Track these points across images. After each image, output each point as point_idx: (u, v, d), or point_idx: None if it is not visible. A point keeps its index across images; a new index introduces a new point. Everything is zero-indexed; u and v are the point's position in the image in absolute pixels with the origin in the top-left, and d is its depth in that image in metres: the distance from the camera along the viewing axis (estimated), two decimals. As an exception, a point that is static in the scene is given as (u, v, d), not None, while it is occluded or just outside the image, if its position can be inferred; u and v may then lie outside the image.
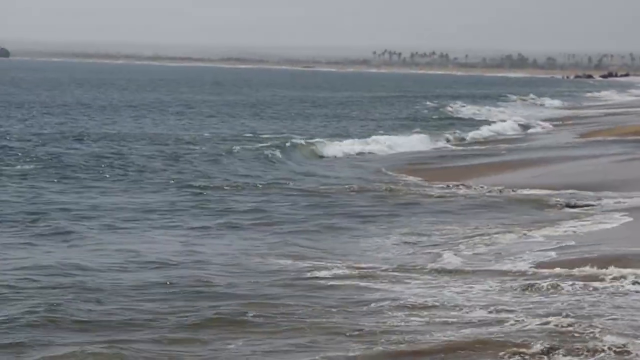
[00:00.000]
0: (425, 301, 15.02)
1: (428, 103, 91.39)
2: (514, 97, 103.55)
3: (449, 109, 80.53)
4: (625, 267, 16.75)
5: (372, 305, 14.82)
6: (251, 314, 14.16)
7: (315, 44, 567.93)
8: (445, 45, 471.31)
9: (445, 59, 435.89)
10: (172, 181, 30.62)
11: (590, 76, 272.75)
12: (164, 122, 58.20)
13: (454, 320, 13.95)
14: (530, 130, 57.24)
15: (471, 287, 16.14)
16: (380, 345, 12.71)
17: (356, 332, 13.26)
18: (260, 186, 30.55)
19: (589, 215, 23.38)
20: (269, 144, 42.52)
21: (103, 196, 26.87)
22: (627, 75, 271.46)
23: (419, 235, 21.31)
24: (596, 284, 15.92)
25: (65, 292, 15.26)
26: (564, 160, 37.75)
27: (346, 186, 29.87)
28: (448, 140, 49.14)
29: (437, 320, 13.96)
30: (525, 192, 28.57)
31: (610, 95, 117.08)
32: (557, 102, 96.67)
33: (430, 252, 19.30)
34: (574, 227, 22.05)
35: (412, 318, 14.20)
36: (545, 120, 67.48)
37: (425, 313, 14.36)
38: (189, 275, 16.55)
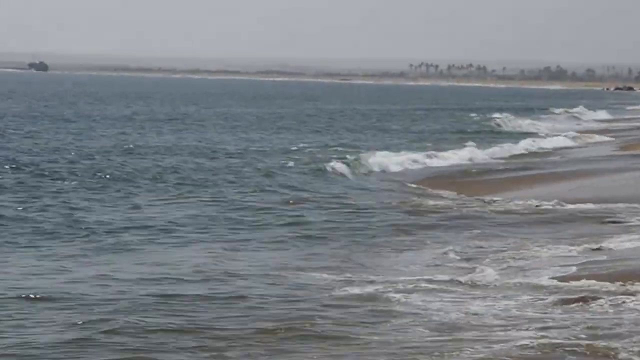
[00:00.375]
0: (457, 318, 14.86)
1: (473, 115, 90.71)
2: (558, 110, 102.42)
3: (495, 122, 79.59)
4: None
5: (400, 320, 14.65)
6: (283, 328, 14.16)
7: (352, 57, 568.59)
8: (483, 57, 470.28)
9: (483, 71, 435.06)
10: (226, 194, 30.99)
11: (630, 88, 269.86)
12: (210, 135, 58.51)
13: (482, 337, 13.71)
14: (574, 143, 56.84)
15: (500, 302, 16.02)
16: None
17: (383, 347, 13.24)
18: (308, 200, 30.71)
19: (630, 232, 22.89)
20: (320, 156, 42.96)
21: (161, 208, 27.41)
22: None
23: (456, 251, 21.03)
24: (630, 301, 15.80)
25: (115, 304, 15.56)
26: (606, 173, 37.39)
27: (391, 201, 30.01)
28: (494, 154, 48.44)
29: (466, 337, 13.73)
30: (570, 206, 28.20)
31: None
32: (600, 114, 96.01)
33: (464, 267, 19.21)
34: (617, 242, 21.64)
35: (439, 334, 14.05)
36: (589, 132, 67.21)
37: (455, 330, 14.17)
38: (228, 290, 16.65)
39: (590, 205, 27.76)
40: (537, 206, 28.30)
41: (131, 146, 48.37)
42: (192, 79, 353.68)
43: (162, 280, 17.83)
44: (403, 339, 13.57)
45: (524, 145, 53.76)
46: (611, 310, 15.12)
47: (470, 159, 45.02)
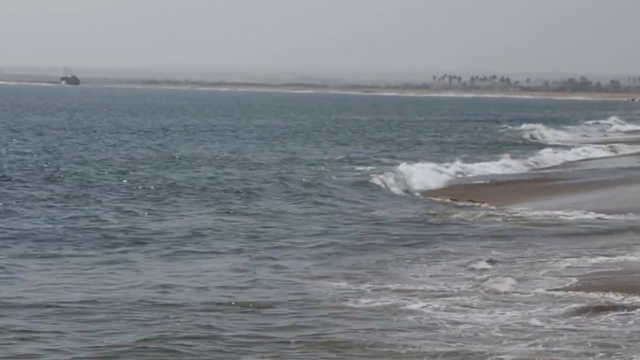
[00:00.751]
0: (464, 327, 14.92)
1: (503, 127, 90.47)
2: (589, 122, 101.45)
3: (530, 133, 79.04)
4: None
5: (407, 329, 14.82)
6: (294, 335, 14.40)
7: (375, 68, 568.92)
8: (506, 69, 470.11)
9: (507, 83, 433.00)
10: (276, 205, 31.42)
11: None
12: (244, 146, 59.10)
13: (489, 347, 13.73)
14: (603, 154, 56.90)
15: (513, 312, 15.96)
16: None
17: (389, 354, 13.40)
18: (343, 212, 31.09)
19: None
20: (361, 169, 43.84)
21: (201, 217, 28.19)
22: None
23: (478, 261, 21.00)
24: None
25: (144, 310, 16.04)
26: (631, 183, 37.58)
27: (418, 211, 30.27)
28: (529, 165, 48.67)
29: (474, 349, 13.67)
30: (588, 216, 28.29)
31: None
32: (630, 126, 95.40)
33: (481, 277, 19.18)
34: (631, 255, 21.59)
35: (444, 342, 14.14)
36: (618, 142, 66.87)
37: (464, 341, 14.16)
38: (246, 300, 16.82)
39: (615, 216, 27.96)
40: (564, 216, 28.30)
41: (176, 156, 49.28)
42: (219, 91, 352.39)
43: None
44: (413, 350, 13.60)
45: (558, 156, 53.69)
46: (619, 323, 15.14)
47: (505, 171, 45.02)
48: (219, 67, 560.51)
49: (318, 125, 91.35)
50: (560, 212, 29.12)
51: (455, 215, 28.99)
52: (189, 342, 13.89)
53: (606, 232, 25.40)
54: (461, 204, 32.86)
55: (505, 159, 49.25)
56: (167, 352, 13.55)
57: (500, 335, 14.40)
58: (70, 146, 54.89)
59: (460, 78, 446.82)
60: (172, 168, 43.74)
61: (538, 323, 15.12)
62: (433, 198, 34.68)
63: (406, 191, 37.58)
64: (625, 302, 16.39)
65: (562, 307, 16.24)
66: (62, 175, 37.95)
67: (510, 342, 14.03)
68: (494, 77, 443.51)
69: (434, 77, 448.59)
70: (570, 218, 28.09)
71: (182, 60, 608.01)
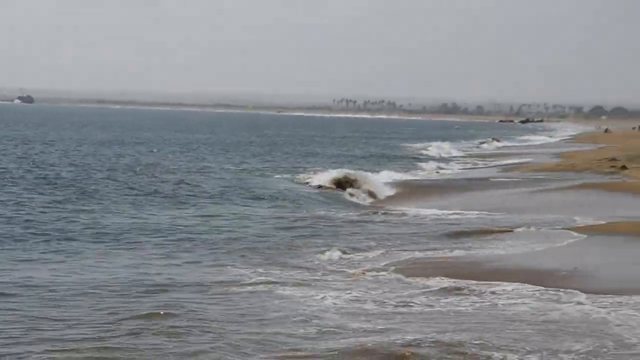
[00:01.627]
0: (319, 306, 14.91)
1: (391, 142, 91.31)
2: (475, 140, 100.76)
3: (414, 148, 79.48)
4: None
5: (275, 313, 14.51)
6: (172, 315, 14.01)
7: (284, 92, 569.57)
8: (393, 94, 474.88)
9: (393, 106, 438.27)
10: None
11: (511, 121, 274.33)
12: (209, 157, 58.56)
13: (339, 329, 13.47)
14: (469, 166, 57.41)
15: (355, 295, 15.83)
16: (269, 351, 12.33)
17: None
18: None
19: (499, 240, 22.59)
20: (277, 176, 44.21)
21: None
22: (541, 121, 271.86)
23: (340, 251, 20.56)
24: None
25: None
26: (485, 188, 38.04)
27: (316, 208, 30.13)
28: (411, 174, 48.43)
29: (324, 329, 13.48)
30: (463, 213, 28.28)
31: (537, 139, 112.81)
32: (500, 144, 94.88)
33: (339, 265, 19.06)
34: (489, 247, 21.51)
35: (299, 318, 14.07)
36: (489, 157, 68.11)
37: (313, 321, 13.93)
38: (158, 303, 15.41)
39: (476, 213, 28.37)
40: (420, 215, 28.30)
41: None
42: (154, 110, 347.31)
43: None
44: (274, 329, 13.42)
45: (433, 167, 54.31)
46: (462, 308, 15.04)
47: (392, 178, 44.17)
48: (157, 90, 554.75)
49: (245, 140, 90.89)
50: (436, 210, 29.52)
51: (339, 215, 28.70)
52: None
53: (460, 224, 25.80)
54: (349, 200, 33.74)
55: (390, 170, 49.06)
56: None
57: (339, 316, 14.34)
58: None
59: (355, 101, 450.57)
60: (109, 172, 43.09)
61: (376, 306, 15.13)
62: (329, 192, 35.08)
63: (311, 192, 37.04)
64: (467, 286, 16.64)
65: (404, 291, 16.31)
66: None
67: (351, 319, 14.19)
68: (382, 101, 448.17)
69: (334, 100, 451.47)
70: (446, 215, 28.28)
71: (128, 85, 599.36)
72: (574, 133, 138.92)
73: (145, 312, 14.27)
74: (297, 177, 43.71)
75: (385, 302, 15.49)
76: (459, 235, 23.77)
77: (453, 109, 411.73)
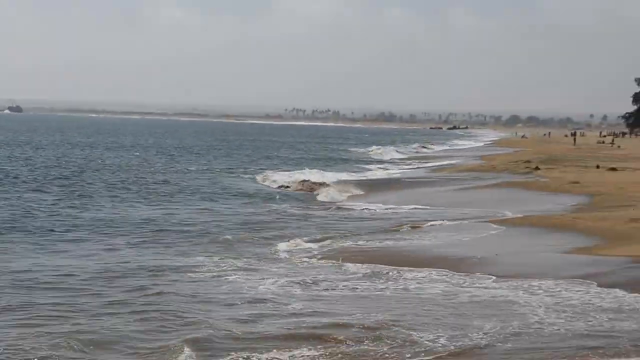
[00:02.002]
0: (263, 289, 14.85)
1: (348, 148, 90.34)
2: (414, 144, 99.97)
3: (358, 151, 79.33)
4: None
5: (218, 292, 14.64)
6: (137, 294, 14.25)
7: (242, 103, 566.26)
8: (337, 104, 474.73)
9: (337, 115, 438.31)
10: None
11: (440, 128, 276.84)
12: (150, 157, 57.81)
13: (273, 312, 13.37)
14: (408, 167, 57.22)
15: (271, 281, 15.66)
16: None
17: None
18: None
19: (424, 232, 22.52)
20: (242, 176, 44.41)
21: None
22: (466, 127, 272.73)
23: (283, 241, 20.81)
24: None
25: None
26: (420, 186, 38.16)
27: (268, 204, 30.15)
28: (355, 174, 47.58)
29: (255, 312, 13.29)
30: (393, 207, 28.39)
31: (464, 143, 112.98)
32: (433, 147, 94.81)
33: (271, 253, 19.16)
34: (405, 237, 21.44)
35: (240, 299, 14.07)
36: (418, 158, 68.29)
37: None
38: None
39: (411, 207, 28.37)
40: (364, 209, 28.31)
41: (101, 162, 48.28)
42: (130, 119, 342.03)
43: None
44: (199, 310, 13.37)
45: (378, 168, 54.48)
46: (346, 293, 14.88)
47: (342, 178, 43.64)
48: (132, 100, 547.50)
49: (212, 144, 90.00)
50: (381, 205, 29.59)
51: (290, 210, 28.67)
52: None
53: (393, 218, 25.72)
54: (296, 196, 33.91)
55: (343, 172, 49.36)
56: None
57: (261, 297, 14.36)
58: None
59: (304, 111, 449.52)
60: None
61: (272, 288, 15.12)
62: (280, 195, 34.28)
63: (269, 188, 37.60)
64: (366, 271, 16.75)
65: (334, 275, 16.32)
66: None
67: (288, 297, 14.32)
68: (328, 110, 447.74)
69: (286, 110, 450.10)
70: (379, 210, 28.20)
71: (108, 95, 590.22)
72: (495, 139, 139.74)
73: (109, 298, 14.22)
74: (259, 177, 43.87)
75: (315, 286, 15.39)
76: (393, 227, 23.86)
77: (390, 117, 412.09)
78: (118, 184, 37.48)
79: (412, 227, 23.50)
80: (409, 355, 11.13)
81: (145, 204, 29.68)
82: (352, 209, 29.28)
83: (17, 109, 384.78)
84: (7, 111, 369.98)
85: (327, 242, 20.91)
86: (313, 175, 43.14)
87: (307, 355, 11.09)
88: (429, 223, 24.09)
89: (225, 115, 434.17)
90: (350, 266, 17.36)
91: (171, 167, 50.64)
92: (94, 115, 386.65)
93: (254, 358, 10.94)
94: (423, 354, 11.17)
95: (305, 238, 21.64)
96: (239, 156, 67.21)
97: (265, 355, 11.01)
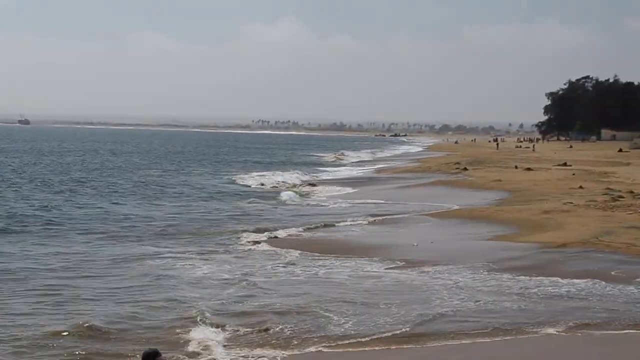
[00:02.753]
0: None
1: (308, 152, 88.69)
2: (367, 150, 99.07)
3: (317, 155, 78.31)
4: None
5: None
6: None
7: (216, 115, 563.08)
8: (296, 115, 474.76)
9: (296, 125, 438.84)
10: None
11: (384, 135, 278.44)
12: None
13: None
14: (360, 168, 56.50)
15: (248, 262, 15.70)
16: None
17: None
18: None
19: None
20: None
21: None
22: (405, 135, 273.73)
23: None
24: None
25: None
26: (370, 184, 38.42)
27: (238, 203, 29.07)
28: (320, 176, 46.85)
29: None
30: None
31: (404, 148, 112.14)
32: (382, 152, 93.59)
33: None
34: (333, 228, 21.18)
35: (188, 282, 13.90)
36: (369, 161, 68.10)
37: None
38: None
39: (359, 202, 28.39)
40: (318, 204, 28.39)
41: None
42: (120, 129, 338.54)
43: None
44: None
45: (335, 169, 54.02)
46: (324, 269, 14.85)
47: (299, 179, 42.91)
48: (124, 111, 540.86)
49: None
50: (339, 200, 29.90)
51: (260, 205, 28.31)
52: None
53: (334, 213, 25.25)
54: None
55: (304, 172, 48.85)
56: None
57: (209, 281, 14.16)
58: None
59: (268, 121, 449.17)
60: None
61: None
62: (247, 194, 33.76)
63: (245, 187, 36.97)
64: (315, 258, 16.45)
65: (266, 262, 16.00)
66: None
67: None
68: (289, 121, 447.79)
69: (252, 121, 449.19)
70: (334, 205, 27.97)
71: (108, 109, 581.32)
72: (430, 144, 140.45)
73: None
74: (233, 177, 43.16)
75: (247, 272, 14.83)
76: (336, 218, 23.52)
77: (340, 127, 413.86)
78: (101, 184, 36.47)
79: (356, 219, 23.34)
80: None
81: (126, 201, 29.23)
82: (309, 204, 28.94)
83: (26, 122, 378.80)
84: (17, 124, 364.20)
85: (271, 232, 20.32)
86: (279, 176, 42.64)
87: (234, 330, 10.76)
88: (373, 218, 23.79)
89: (201, 125, 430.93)
90: (283, 252, 16.98)
91: (157, 169, 49.62)
92: (90, 126, 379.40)
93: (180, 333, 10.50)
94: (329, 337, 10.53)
95: (259, 228, 21.20)
96: (214, 161, 65.95)
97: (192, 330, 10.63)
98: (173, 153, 79.38)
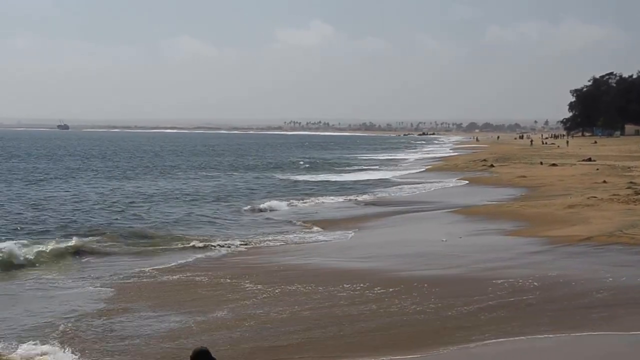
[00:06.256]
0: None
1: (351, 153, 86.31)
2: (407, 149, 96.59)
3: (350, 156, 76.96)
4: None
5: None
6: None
7: (248, 117, 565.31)
8: (326, 116, 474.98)
9: (327, 125, 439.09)
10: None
11: (411, 134, 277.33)
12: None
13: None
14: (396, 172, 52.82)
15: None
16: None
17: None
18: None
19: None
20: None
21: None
22: (433, 134, 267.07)
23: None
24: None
25: None
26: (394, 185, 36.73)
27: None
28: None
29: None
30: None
31: (432, 148, 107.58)
32: (413, 153, 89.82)
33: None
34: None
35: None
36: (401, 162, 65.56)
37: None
38: None
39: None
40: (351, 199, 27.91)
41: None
42: (151, 132, 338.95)
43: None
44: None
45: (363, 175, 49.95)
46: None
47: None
48: (157, 118, 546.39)
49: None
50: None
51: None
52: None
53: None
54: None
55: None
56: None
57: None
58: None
59: (300, 122, 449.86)
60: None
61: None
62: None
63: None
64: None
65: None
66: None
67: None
68: (320, 121, 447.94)
69: (285, 122, 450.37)
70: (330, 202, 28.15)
71: (140, 114, 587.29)
72: (457, 142, 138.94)
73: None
74: (277, 175, 42.61)
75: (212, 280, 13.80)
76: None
77: (370, 126, 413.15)
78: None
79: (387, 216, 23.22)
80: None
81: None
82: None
83: (65, 127, 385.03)
84: (56, 129, 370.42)
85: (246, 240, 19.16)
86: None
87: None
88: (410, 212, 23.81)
89: (235, 127, 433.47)
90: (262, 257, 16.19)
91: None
92: (128, 130, 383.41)
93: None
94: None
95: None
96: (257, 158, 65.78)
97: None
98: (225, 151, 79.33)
